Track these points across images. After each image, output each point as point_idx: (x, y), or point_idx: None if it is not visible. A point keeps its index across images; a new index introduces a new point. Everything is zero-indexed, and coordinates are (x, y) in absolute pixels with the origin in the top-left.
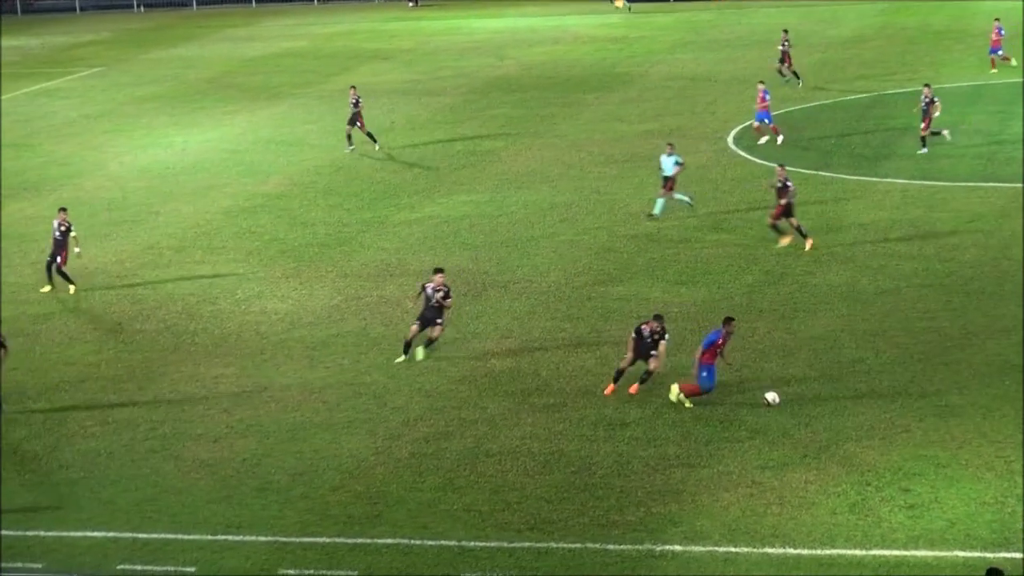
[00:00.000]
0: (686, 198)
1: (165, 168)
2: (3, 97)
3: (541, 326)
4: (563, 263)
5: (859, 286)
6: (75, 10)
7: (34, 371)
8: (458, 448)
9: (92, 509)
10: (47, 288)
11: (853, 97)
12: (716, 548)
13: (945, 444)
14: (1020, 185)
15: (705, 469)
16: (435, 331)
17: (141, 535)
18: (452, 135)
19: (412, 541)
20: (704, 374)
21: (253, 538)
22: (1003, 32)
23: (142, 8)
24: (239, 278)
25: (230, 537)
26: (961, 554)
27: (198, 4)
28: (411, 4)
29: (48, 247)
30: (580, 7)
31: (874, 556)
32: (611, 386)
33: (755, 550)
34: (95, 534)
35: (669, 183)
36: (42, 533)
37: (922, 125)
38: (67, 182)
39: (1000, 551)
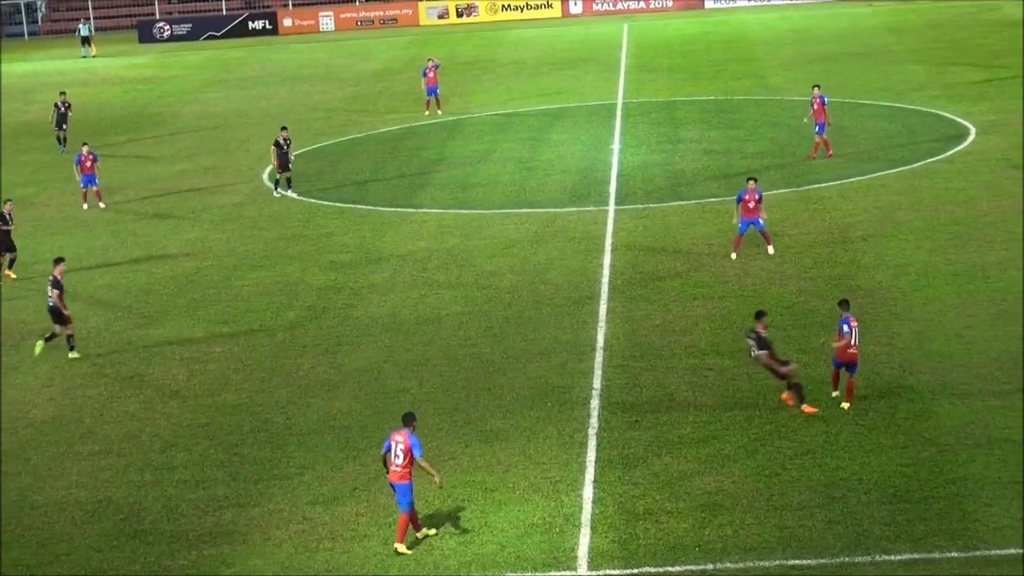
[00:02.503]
0: None
1: None
2: None
3: (82, 372)
4: (102, 307)
5: (400, 317)
6: None
7: None
8: (2, 503)
9: None
10: None
11: (385, 129)
12: None
13: (492, 469)
14: (552, 210)
15: (255, 508)
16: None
17: None
18: None
19: None
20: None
21: None
22: (438, 68)
23: None
24: None
25: None
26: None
27: None
28: None
29: None
30: (107, 48)
31: None
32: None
33: None
34: None
35: None
36: None
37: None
38: None
39: (551, 570)
